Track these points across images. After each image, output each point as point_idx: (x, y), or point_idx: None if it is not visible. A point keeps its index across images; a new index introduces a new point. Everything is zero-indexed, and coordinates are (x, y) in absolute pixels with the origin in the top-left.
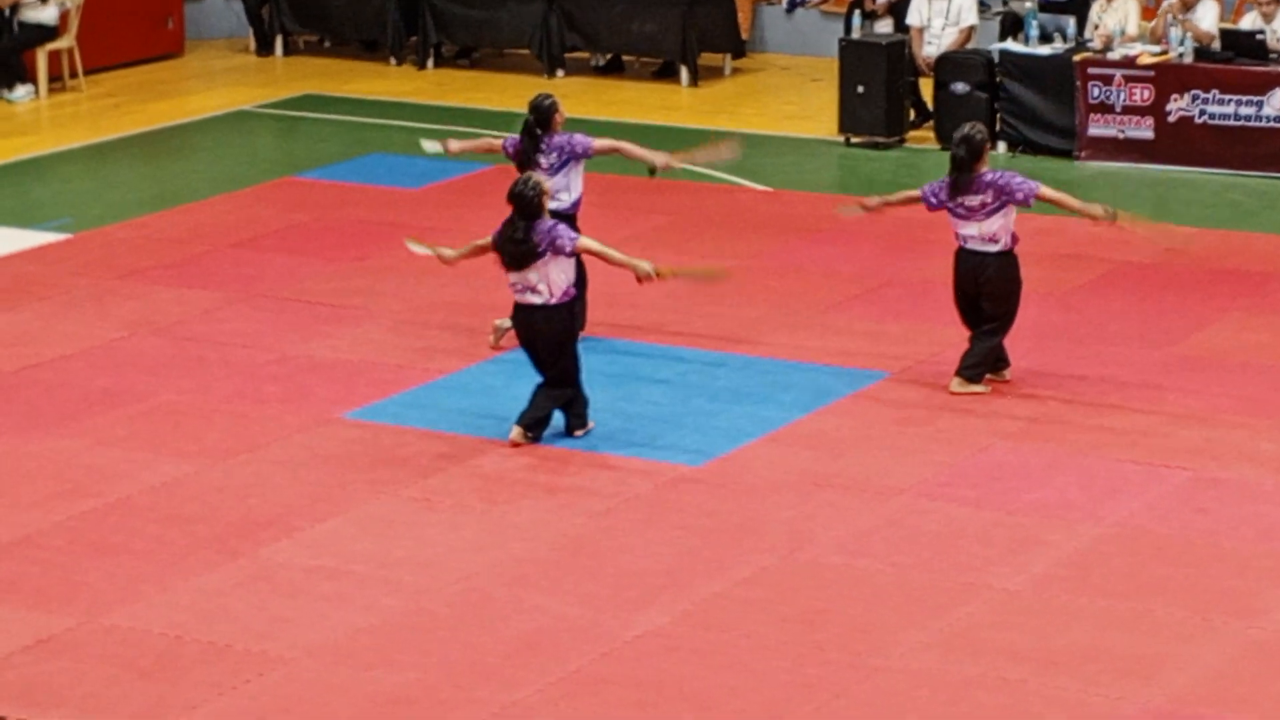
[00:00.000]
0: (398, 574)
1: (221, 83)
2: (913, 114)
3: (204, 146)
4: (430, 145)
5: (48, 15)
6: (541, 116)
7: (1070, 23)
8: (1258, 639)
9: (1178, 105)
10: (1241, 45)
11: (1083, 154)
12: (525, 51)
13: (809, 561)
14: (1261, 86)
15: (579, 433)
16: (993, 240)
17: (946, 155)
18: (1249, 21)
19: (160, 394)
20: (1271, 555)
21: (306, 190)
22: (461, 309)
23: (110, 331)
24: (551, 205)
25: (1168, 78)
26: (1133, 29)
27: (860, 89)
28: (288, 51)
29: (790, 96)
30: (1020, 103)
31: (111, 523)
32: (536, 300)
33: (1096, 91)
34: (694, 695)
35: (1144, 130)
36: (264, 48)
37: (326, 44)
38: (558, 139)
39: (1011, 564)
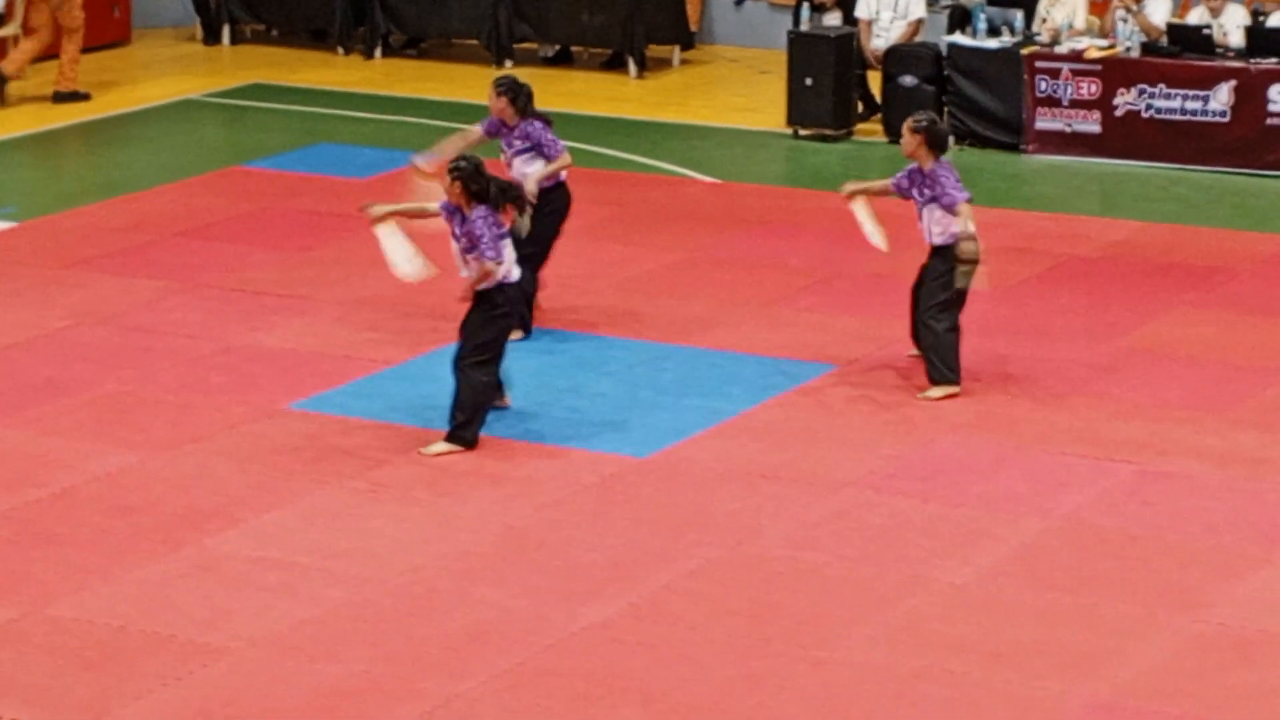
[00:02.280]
0: (343, 565)
1: (168, 71)
2: (861, 107)
3: (150, 135)
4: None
5: None
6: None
7: (1018, 16)
8: (1202, 633)
9: (1125, 99)
10: (1188, 40)
11: (1030, 147)
12: (474, 42)
13: (755, 554)
14: (1208, 81)
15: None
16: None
17: (894, 148)
18: (1196, 16)
19: (105, 384)
20: (1216, 549)
21: (253, 180)
22: (409, 299)
23: (55, 321)
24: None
25: (1115, 72)
26: (1080, 23)
27: (808, 81)
28: (235, 40)
29: (738, 89)
30: (968, 96)
31: (55, 513)
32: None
33: (1044, 85)
34: (639, 688)
35: (1091, 124)
36: (211, 36)
37: (274, 33)
38: (525, 126)
39: (957, 557)
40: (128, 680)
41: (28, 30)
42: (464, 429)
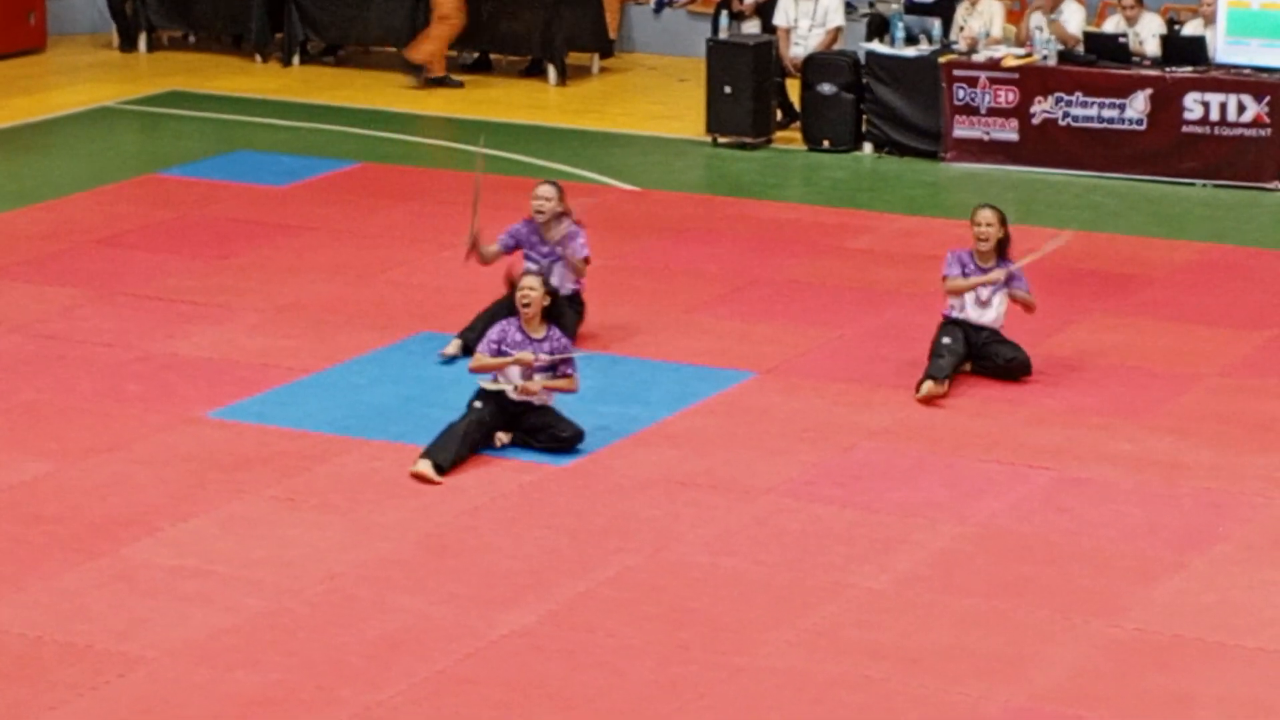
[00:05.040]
0: (260, 574)
1: (84, 79)
2: (780, 115)
3: (66, 143)
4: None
5: None
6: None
7: (936, 25)
8: (1117, 638)
9: (1042, 108)
10: (1104, 48)
11: (948, 155)
12: (392, 49)
13: (674, 561)
14: (1124, 89)
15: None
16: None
17: (813, 156)
18: (1112, 25)
19: (20, 392)
20: (1131, 555)
21: (170, 188)
22: (326, 308)
23: None
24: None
25: (1032, 80)
26: (997, 31)
27: (727, 89)
28: (152, 48)
29: (657, 96)
30: (886, 104)
31: None
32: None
33: (961, 93)
34: (558, 695)
35: (1008, 132)
36: (127, 44)
37: (191, 40)
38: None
39: (875, 563)
40: (43, 691)
41: (436, 17)
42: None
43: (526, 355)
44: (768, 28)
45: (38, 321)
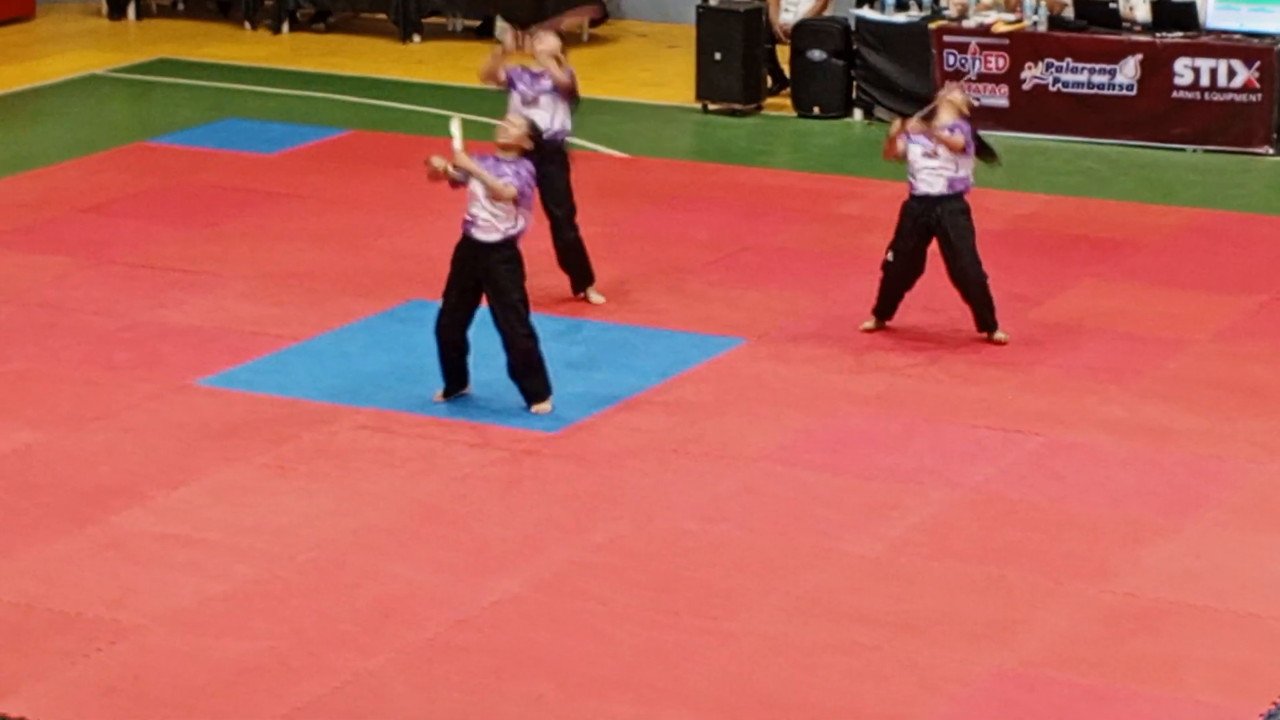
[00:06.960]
0: (250, 541)
1: (73, 46)
2: (770, 81)
3: (55, 111)
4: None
5: None
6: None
7: None
8: (1107, 603)
9: (1032, 73)
10: (1095, 14)
11: None
12: (381, 16)
13: (664, 528)
14: (1114, 55)
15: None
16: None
17: (803, 122)
18: None
19: (10, 361)
20: (1122, 520)
21: (159, 155)
22: (316, 275)
23: None
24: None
25: (1022, 46)
26: None
27: (718, 56)
28: (141, 15)
29: (648, 63)
30: (876, 70)
31: None
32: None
33: (952, 59)
34: (549, 661)
35: (999, 98)
36: (117, 11)
37: (180, 7)
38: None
39: (866, 529)
40: (34, 658)
41: None
42: (538, 385)
43: (497, 183)
44: None
45: (27, 290)
